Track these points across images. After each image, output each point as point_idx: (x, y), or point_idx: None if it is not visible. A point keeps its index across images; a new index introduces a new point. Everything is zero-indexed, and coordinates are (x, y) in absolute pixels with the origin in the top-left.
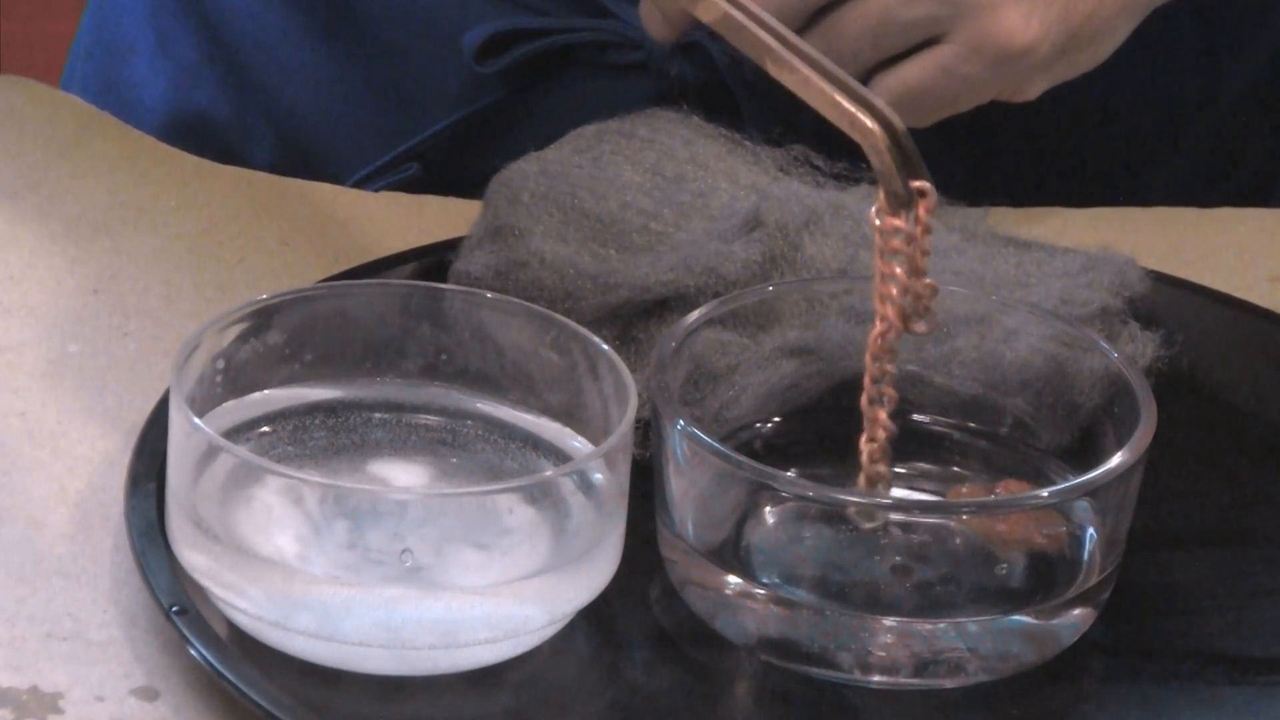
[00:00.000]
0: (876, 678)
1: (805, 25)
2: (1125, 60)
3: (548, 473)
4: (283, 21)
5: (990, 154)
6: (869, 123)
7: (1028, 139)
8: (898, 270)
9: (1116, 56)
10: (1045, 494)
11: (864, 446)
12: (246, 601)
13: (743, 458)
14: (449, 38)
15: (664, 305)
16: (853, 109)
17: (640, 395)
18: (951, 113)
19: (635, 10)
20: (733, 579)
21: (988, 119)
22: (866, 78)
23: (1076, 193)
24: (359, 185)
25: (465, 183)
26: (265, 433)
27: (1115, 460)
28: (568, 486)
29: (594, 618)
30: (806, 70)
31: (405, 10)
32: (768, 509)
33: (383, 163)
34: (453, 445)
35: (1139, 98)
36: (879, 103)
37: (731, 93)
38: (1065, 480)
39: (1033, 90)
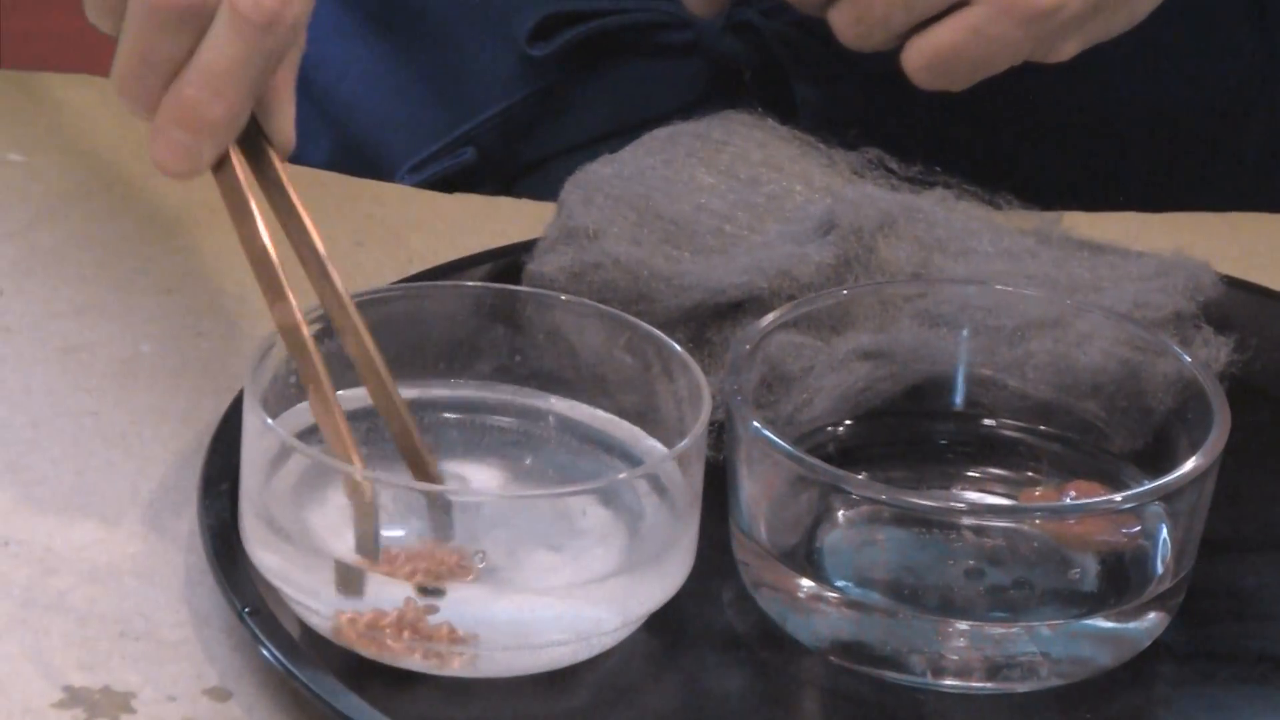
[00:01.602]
0: (949, 681)
1: None
2: (1186, 58)
3: (621, 475)
4: (334, 15)
5: (1064, 158)
6: (359, 478)
7: (1101, 143)
8: None
9: (1180, 56)
10: (1119, 498)
11: None
12: (319, 602)
13: (816, 460)
14: (499, 23)
15: (738, 308)
16: (360, 477)
17: (714, 397)
18: (985, 75)
19: None
20: (805, 582)
21: (1064, 121)
22: (899, 43)
23: (1150, 197)
24: (415, 171)
25: (520, 167)
26: None
27: (1188, 465)
28: (641, 489)
29: (666, 620)
30: (340, 419)
31: None
32: (840, 512)
33: (438, 148)
34: (526, 447)
35: (1204, 99)
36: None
37: (783, 70)
38: (1139, 485)
39: (1066, 50)
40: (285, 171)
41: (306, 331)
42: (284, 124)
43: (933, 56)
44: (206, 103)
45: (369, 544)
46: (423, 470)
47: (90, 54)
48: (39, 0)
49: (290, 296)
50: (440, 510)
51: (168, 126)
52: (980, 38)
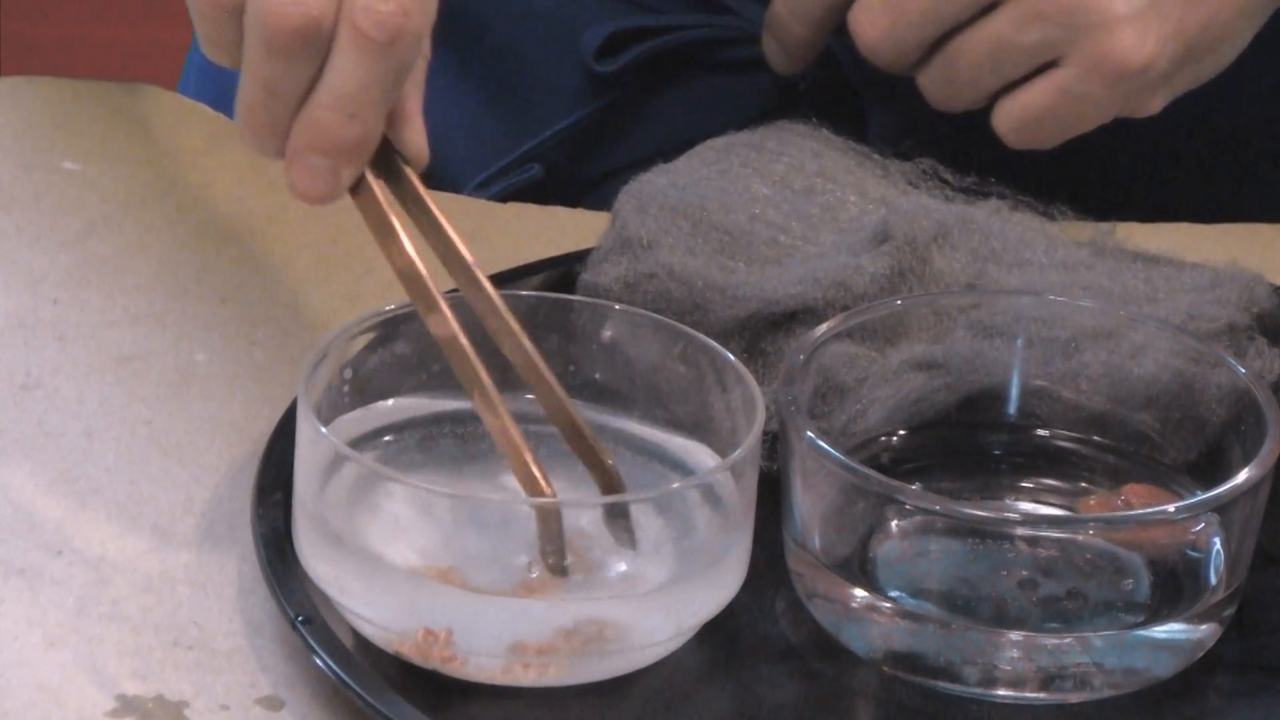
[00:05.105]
0: (1002, 692)
1: (924, 56)
2: (1242, 72)
3: (675, 485)
4: None
5: (1119, 169)
6: (548, 489)
7: (1156, 154)
8: None
9: (1240, 69)
10: (1172, 509)
11: None
12: (373, 611)
13: (869, 471)
14: (565, 39)
15: (792, 318)
16: (538, 473)
17: (768, 408)
18: (1076, 133)
19: (754, 6)
20: (859, 592)
21: (1117, 134)
22: (988, 104)
23: (1205, 208)
24: (481, 188)
25: (587, 183)
26: (392, 442)
27: (1242, 476)
28: (694, 498)
29: (719, 630)
30: (507, 420)
31: (521, 13)
32: (894, 522)
33: (504, 164)
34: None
35: (1259, 111)
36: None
37: (853, 92)
38: (1192, 495)
39: (1154, 105)
40: (421, 184)
41: (465, 339)
42: (415, 136)
43: (1022, 118)
44: (340, 125)
45: (560, 558)
46: (602, 469)
47: (90, 59)
48: (39, 5)
49: (444, 307)
50: (618, 518)
51: (303, 153)
52: (1070, 98)
